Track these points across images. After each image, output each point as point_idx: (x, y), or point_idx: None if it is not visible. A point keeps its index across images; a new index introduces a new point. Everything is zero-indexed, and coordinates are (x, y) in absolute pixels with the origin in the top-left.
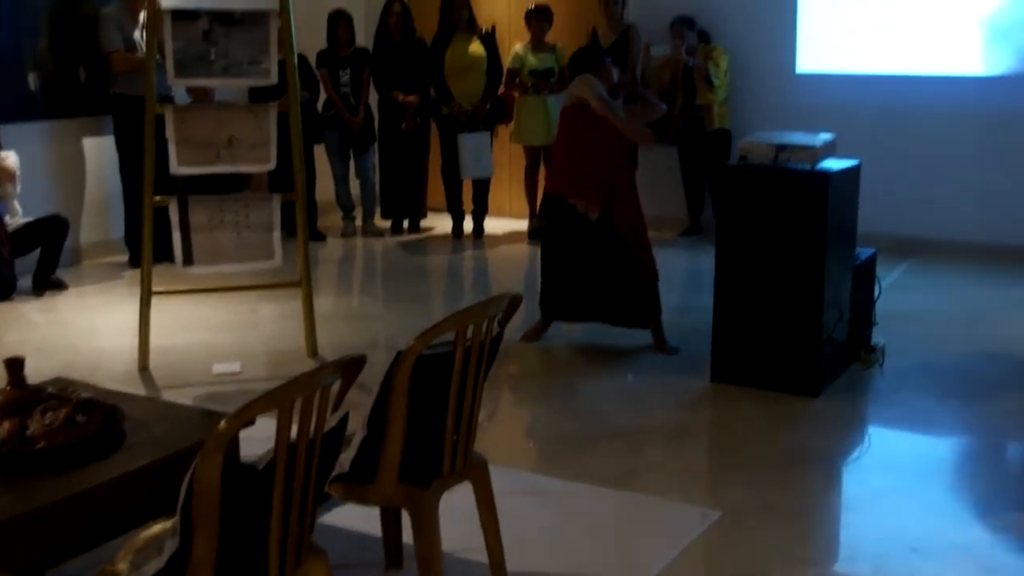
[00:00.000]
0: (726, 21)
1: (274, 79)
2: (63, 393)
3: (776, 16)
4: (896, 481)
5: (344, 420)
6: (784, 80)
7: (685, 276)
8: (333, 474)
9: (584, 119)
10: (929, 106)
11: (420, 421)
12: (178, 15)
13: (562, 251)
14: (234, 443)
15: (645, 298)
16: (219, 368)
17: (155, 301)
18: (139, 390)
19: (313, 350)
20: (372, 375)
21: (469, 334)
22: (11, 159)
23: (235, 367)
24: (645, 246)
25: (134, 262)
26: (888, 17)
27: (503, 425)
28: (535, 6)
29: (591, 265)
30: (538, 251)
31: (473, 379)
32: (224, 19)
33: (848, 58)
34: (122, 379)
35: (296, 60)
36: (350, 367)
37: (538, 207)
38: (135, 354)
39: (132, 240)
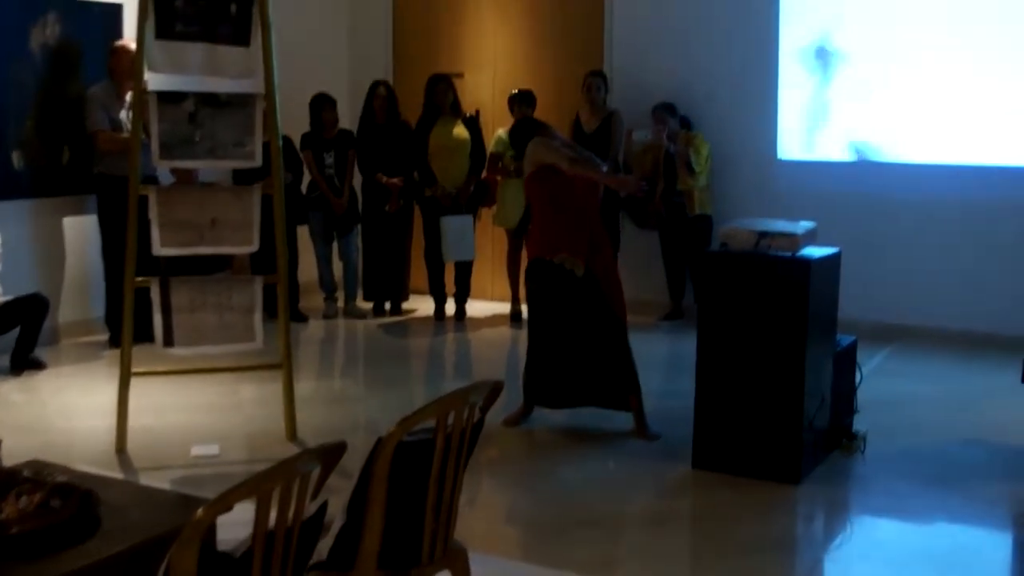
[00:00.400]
0: (707, 108)
1: (259, 161)
2: (38, 477)
3: (757, 103)
4: (880, 570)
5: (323, 508)
6: (765, 167)
7: (667, 361)
8: (311, 562)
9: (553, 182)
10: (909, 194)
11: (400, 508)
12: (164, 97)
13: (548, 317)
14: (211, 529)
15: (626, 376)
16: (197, 450)
17: (134, 382)
18: (116, 472)
19: (292, 433)
20: (352, 460)
21: (450, 420)
22: None
23: (213, 450)
24: (621, 302)
25: (114, 342)
26: (868, 105)
27: (483, 511)
28: (518, 91)
29: (576, 332)
30: (520, 334)
31: (453, 466)
32: (210, 101)
33: (829, 145)
34: (99, 460)
35: (281, 143)
36: (330, 454)
37: (521, 288)
38: (113, 435)
39: (112, 320)
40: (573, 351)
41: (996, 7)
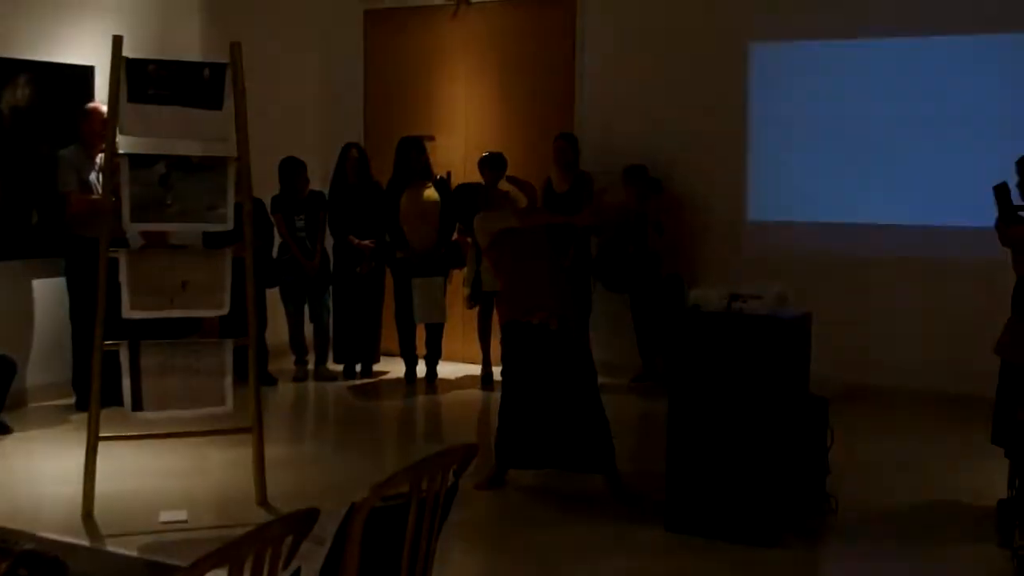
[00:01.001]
0: (677, 170)
1: (231, 224)
2: (4, 545)
3: (726, 165)
4: None
5: (296, 575)
6: (735, 228)
7: (639, 422)
8: None
9: (512, 243)
10: (877, 255)
11: (373, 574)
12: (136, 160)
13: (523, 377)
14: None
15: (601, 439)
16: (165, 516)
17: (102, 446)
18: (83, 539)
19: (262, 498)
20: (325, 525)
21: (423, 486)
22: None
23: (181, 515)
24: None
25: (81, 406)
26: (837, 167)
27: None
28: (488, 154)
29: (552, 392)
30: (491, 396)
31: (427, 531)
32: (182, 164)
33: (798, 207)
34: (65, 526)
35: (252, 206)
36: (302, 521)
37: (492, 350)
38: (79, 500)
39: (80, 383)
40: (548, 410)
41: (956, 80)
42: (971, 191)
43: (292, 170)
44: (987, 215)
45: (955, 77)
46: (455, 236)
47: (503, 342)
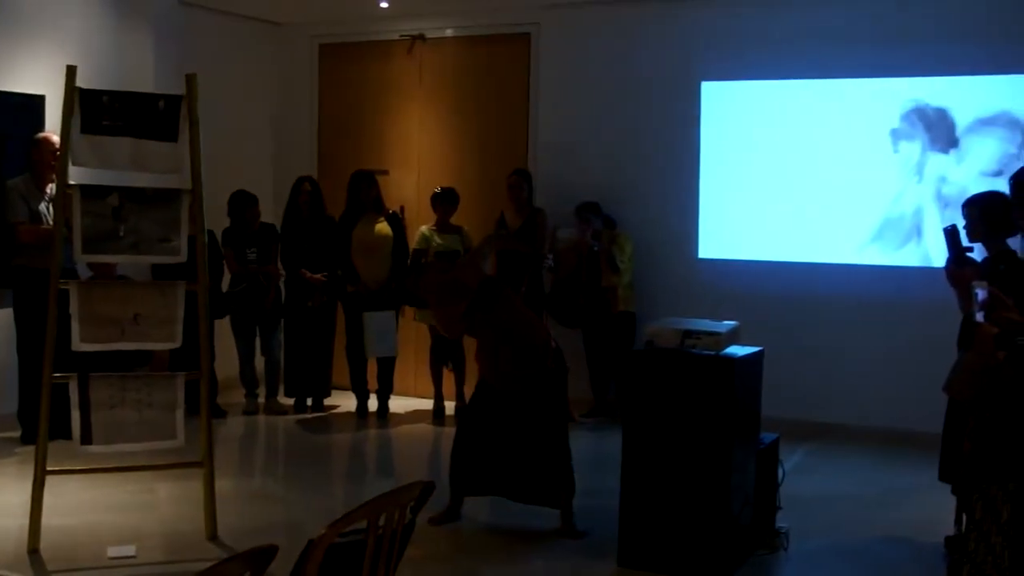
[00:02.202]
0: (630, 207)
1: (184, 257)
2: None
3: (678, 203)
4: None
5: None
6: (686, 265)
7: (591, 458)
8: None
9: (495, 314)
10: (827, 293)
11: None
12: (88, 191)
13: (480, 422)
14: None
15: (561, 475)
16: (113, 552)
17: (48, 480)
18: (28, 574)
19: (212, 533)
20: (279, 563)
21: (381, 522)
22: None
23: (130, 551)
24: None
25: (27, 439)
26: (787, 207)
27: None
28: (441, 189)
29: (508, 432)
30: (443, 431)
31: (384, 568)
32: (135, 196)
33: (748, 245)
34: (9, 562)
35: (208, 238)
36: (260, 558)
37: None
38: (24, 535)
39: (26, 416)
40: (505, 445)
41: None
42: (919, 231)
43: (242, 203)
44: (935, 255)
45: (906, 118)
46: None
47: (477, 390)
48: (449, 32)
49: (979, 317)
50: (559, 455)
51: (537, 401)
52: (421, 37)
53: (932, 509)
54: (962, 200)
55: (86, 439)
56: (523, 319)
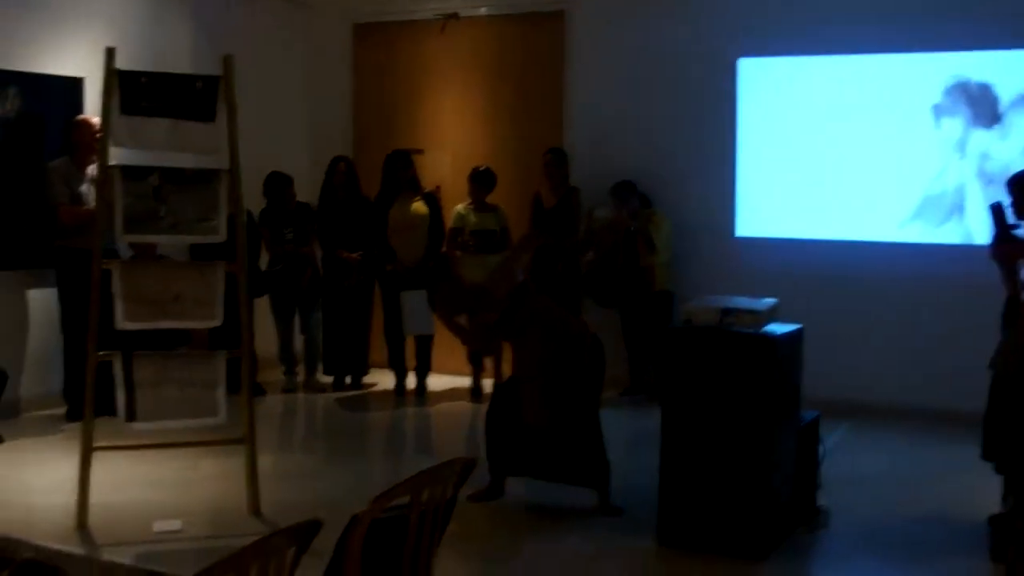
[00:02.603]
0: (667, 186)
1: (223, 236)
2: (5, 553)
3: (715, 182)
4: None
5: None
6: (724, 244)
7: (629, 436)
8: None
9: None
10: (867, 271)
11: None
12: (128, 172)
13: (512, 406)
14: None
15: (594, 455)
16: (159, 526)
17: (95, 456)
18: (76, 548)
19: (255, 508)
20: (322, 538)
21: (424, 498)
22: None
23: (176, 525)
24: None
25: (73, 416)
26: (823, 184)
27: None
28: (478, 169)
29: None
30: (481, 408)
31: (427, 543)
32: (174, 177)
33: (786, 223)
34: (59, 536)
35: (246, 218)
36: (305, 533)
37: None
38: (72, 510)
39: (71, 394)
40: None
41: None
42: (958, 209)
43: (278, 184)
44: (977, 233)
45: (948, 93)
46: (443, 249)
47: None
48: (483, 11)
49: None
50: (591, 437)
51: (572, 387)
52: (455, 16)
53: (974, 488)
54: (1005, 177)
55: (131, 416)
56: (557, 317)
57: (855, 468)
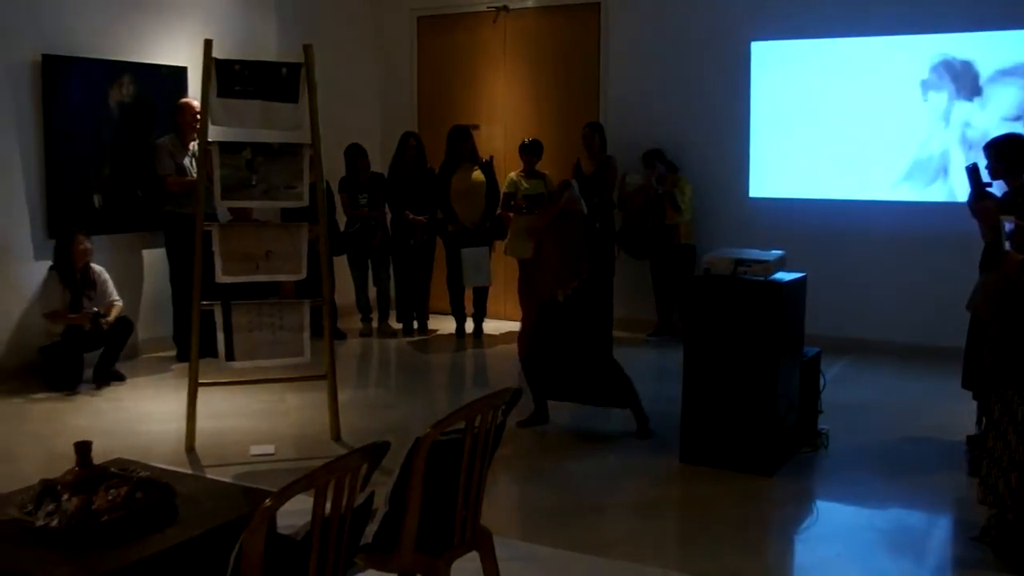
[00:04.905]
0: (690, 153)
1: (306, 201)
2: (124, 472)
3: (732, 149)
4: (843, 549)
5: (370, 498)
6: (739, 204)
7: (656, 370)
8: (359, 544)
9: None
10: (863, 226)
11: (434, 498)
12: (225, 147)
13: (544, 334)
14: (274, 516)
15: (618, 380)
16: (255, 450)
17: (200, 391)
18: (186, 468)
19: (336, 435)
20: (390, 458)
21: (477, 423)
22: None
23: (269, 449)
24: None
25: (181, 357)
26: (826, 151)
27: (500, 500)
28: (527, 141)
29: (563, 342)
30: None
31: (480, 462)
32: (264, 150)
33: (793, 185)
34: (171, 459)
35: (325, 186)
36: (376, 452)
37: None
38: (182, 437)
39: (180, 338)
40: (563, 352)
41: (936, 73)
42: (941, 171)
43: (355, 155)
44: (959, 192)
45: (935, 70)
46: (498, 211)
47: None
48: (530, 3)
49: (1007, 246)
50: (605, 359)
51: (583, 309)
52: (505, 8)
53: (955, 413)
54: (984, 143)
55: (230, 356)
56: (577, 247)
57: (852, 396)
